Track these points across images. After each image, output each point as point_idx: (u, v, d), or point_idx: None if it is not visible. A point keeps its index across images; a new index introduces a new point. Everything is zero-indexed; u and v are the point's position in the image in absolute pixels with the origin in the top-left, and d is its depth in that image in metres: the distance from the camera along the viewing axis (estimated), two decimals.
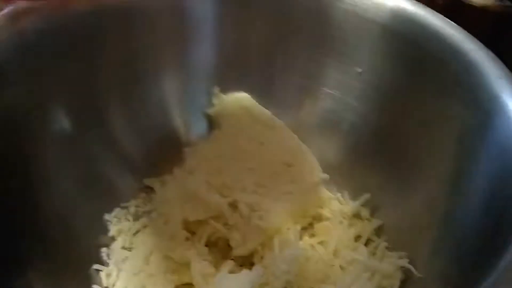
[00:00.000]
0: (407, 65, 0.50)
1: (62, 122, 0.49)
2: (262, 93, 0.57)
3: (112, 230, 0.51)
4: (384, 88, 0.52)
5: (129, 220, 0.53)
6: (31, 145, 0.46)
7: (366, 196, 0.53)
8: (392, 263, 0.46)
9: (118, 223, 0.52)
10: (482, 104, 0.42)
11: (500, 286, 0.32)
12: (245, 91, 0.58)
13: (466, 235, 0.41)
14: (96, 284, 0.47)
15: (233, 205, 0.49)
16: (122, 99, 0.53)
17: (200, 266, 0.45)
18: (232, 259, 0.48)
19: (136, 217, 0.53)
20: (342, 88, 0.55)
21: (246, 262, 0.48)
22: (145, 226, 0.52)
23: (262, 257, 0.47)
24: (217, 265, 0.47)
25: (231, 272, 0.46)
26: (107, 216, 0.52)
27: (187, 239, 0.48)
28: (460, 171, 0.44)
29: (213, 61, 0.57)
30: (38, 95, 0.46)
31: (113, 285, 0.47)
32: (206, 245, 0.48)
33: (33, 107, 0.46)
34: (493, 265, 0.33)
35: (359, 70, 0.53)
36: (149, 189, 0.55)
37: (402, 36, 0.49)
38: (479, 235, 0.39)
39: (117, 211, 0.53)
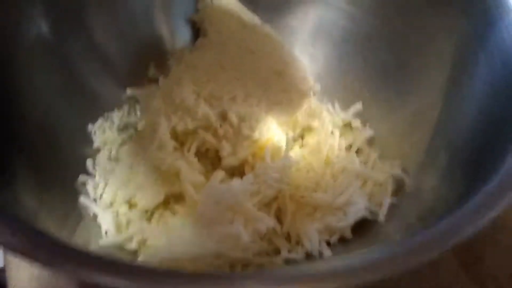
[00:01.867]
0: None
1: (39, 27, 0.46)
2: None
3: (97, 141, 0.50)
4: None
5: (113, 132, 0.51)
6: (7, 53, 0.43)
7: (357, 105, 0.52)
8: (383, 171, 0.46)
9: (102, 134, 0.50)
10: (484, 11, 0.41)
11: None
12: None
13: (460, 145, 0.41)
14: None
15: (223, 115, 0.47)
16: (103, 4, 0.49)
17: (190, 175, 0.44)
18: (222, 170, 0.47)
19: (121, 128, 0.52)
20: None
21: (237, 172, 0.47)
22: (131, 137, 0.51)
23: (253, 167, 0.46)
24: (207, 175, 0.46)
25: (221, 181, 0.45)
26: (90, 127, 0.50)
27: (175, 149, 0.46)
28: (457, 76, 0.43)
29: None
30: None
31: (101, 196, 0.46)
32: (196, 156, 0.47)
33: (7, 11, 0.43)
34: (487, 179, 0.33)
35: None
36: (133, 100, 0.53)
37: None
38: (475, 144, 0.39)
39: (101, 122, 0.51)
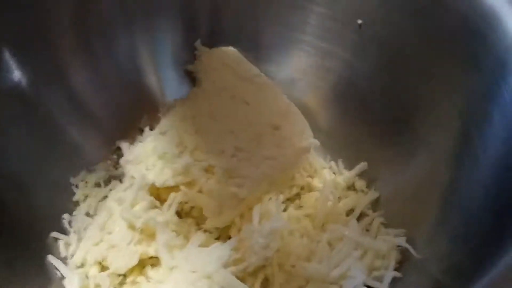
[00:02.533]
0: (419, 20, 0.43)
1: (16, 77, 0.43)
2: (248, 48, 0.51)
3: (77, 195, 0.46)
4: (387, 44, 0.46)
5: (97, 185, 0.48)
6: None
7: (362, 165, 0.47)
8: (387, 241, 0.41)
9: (84, 188, 0.47)
10: (498, 65, 0.37)
11: None
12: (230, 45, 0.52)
13: (474, 210, 0.36)
14: (53, 254, 0.42)
15: (210, 171, 0.43)
16: (83, 47, 0.47)
17: (166, 237, 0.39)
18: (206, 231, 0.42)
19: (105, 182, 0.48)
20: (341, 43, 0.48)
21: (224, 235, 0.43)
22: (112, 190, 0.47)
23: (239, 230, 0.42)
24: (189, 237, 0.42)
25: (202, 245, 0.40)
26: (72, 180, 0.47)
27: (155, 206, 0.42)
28: (469, 135, 0.38)
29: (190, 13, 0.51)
30: None
31: (72, 255, 0.42)
32: (180, 215, 0.43)
33: None
34: (506, 246, 0.29)
35: (359, 21, 0.46)
36: (120, 152, 0.49)
37: None
38: (490, 209, 0.34)
39: (83, 174, 0.47)
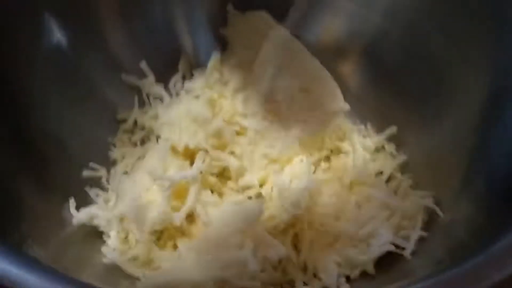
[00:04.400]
0: None
1: (57, 37, 0.45)
2: (280, 11, 0.51)
3: (115, 154, 0.48)
4: (418, 10, 0.46)
5: (133, 145, 0.49)
6: (24, 62, 0.42)
7: (392, 128, 0.48)
8: (414, 202, 0.42)
9: (121, 147, 0.49)
10: None
11: None
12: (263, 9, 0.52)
13: (499, 176, 0.37)
14: None
15: (241, 133, 0.45)
16: (121, 14, 0.48)
17: (201, 195, 0.41)
18: (238, 190, 0.44)
19: (141, 142, 0.49)
20: (365, 7, 0.49)
21: (254, 194, 0.44)
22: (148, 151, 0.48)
23: (271, 189, 0.43)
24: (222, 196, 0.44)
25: (236, 203, 0.42)
26: (110, 139, 0.49)
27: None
28: (494, 104, 0.39)
29: None
30: (31, 8, 0.42)
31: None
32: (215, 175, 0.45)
33: (26, 20, 0.42)
34: None
35: None
36: None
37: None
38: None
39: (120, 134, 0.49)
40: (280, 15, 0.51)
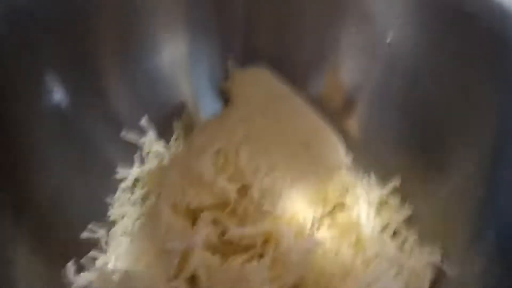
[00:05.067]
0: (449, 38, 0.43)
1: (57, 96, 0.45)
2: (279, 68, 0.52)
3: (114, 215, 0.48)
4: (418, 60, 0.46)
5: (133, 205, 0.49)
6: (25, 122, 0.42)
7: (396, 180, 0.47)
8: (422, 258, 0.41)
9: (120, 207, 0.48)
10: None
11: None
12: (263, 64, 0.52)
13: (510, 227, 0.36)
14: None
15: (243, 191, 0.44)
16: (121, 69, 0.48)
17: (202, 255, 0.40)
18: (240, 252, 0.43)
19: (142, 201, 0.49)
20: (366, 60, 0.49)
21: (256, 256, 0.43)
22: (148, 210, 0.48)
23: (275, 249, 0.42)
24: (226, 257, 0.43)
25: (239, 263, 0.41)
26: (108, 200, 0.48)
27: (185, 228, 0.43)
28: (502, 151, 0.39)
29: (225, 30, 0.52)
30: (31, 68, 0.43)
31: None
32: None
33: (26, 80, 0.42)
34: None
35: (388, 40, 0.47)
36: None
37: None
38: None
39: (119, 193, 0.49)
40: (279, 70, 0.52)
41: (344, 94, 0.51)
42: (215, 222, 0.42)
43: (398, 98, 0.48)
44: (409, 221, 0.46)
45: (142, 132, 0.51)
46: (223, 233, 0.43)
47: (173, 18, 0.49)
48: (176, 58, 0.51)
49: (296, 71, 0.52)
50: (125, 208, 0.48)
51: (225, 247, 0.43)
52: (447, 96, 0.44)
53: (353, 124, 0.51)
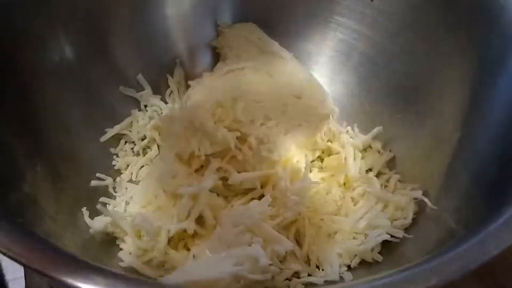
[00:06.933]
0: None
1: (64, 52, 0.48)
2: (269, 23, 0.55)
3: (119, 164, 0.51)
4: (398, 15, 0.50)
5: (136, 155, 0.52)
6: (34, 76, 0.45)
7: (377, 129, 0.51)
8: (405, 194, 0.45)
9: (124, 156, 0.51)
10: (502, 38, 0.41)
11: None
12: (251, 21, 0.55)
13: (480, 169, 0.40)
14: None
15: (241, 139, 0.47)
16: (127, 26, 0.52)
17: (208, 197, 0.44)
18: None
19: (144, 151, 0.53)
20: (353, 16, 0.52)
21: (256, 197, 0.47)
22: (151, 160, 0.51)
23: (273, 189, 0.46)
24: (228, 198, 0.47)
25: (242, 205, 0.45)
26: (112, 150, 0.51)
27: (196, 171, 0.47)
28: (476, 100, 0.43)
29: None
30: (39, 23, 0.45)
31: None
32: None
33: (35, 35, 0.45)
34: (509, 203, 0.32)
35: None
36: None
37: None
38: (495, 168, 0.38)
39: (122, 144, 0.52)
40: (268, 28, 0.55)
41: (327, 50, 0.55)
42: (218, 168, 0.46)
43: (378, 54, 0.52)
44: (391, 164, 0.50)
45: (140, 86, 0.53)
46: (225, 178, 0.47)
47: None
48: (175, 18, 0.54)
49: (281, 27, 0.55)
50: (128, 158, 0.51)
51: (228, 191, 0.47)
52: (423, 52, 0.48)
53: (337, 79, 0.55)
